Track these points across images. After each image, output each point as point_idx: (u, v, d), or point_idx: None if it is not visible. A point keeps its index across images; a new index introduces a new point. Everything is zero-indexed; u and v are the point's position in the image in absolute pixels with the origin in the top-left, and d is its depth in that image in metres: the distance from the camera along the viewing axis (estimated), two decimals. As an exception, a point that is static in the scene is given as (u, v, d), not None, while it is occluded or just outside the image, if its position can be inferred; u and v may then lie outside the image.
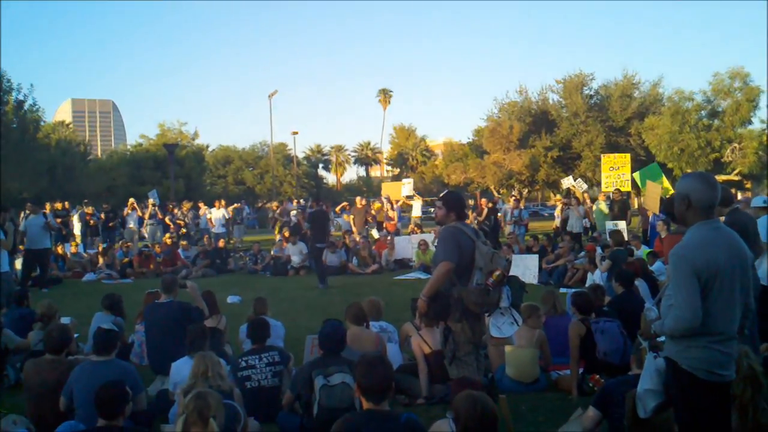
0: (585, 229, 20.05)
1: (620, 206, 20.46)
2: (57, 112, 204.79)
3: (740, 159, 34.68)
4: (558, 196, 27.84)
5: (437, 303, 5.57)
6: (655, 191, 17.39)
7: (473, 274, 5.59)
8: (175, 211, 24.09)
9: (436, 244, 6.09)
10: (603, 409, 5.17)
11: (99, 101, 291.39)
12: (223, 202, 25.26)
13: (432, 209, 17.93)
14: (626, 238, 15.65)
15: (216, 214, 23.20)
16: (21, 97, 35.86)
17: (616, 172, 20.84)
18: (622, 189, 20.25)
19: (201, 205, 25.71)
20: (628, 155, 22.56)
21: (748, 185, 40.20)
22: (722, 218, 7.03)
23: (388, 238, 19.67)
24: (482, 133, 46.69)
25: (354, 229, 21.20)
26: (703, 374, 3.62)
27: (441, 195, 6.25)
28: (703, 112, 36.87)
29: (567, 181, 25.26)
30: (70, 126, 62.86)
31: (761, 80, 39.37)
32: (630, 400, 4.63)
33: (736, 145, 35.04)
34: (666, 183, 19.36)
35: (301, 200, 29.78)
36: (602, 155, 22.77)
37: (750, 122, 36.14)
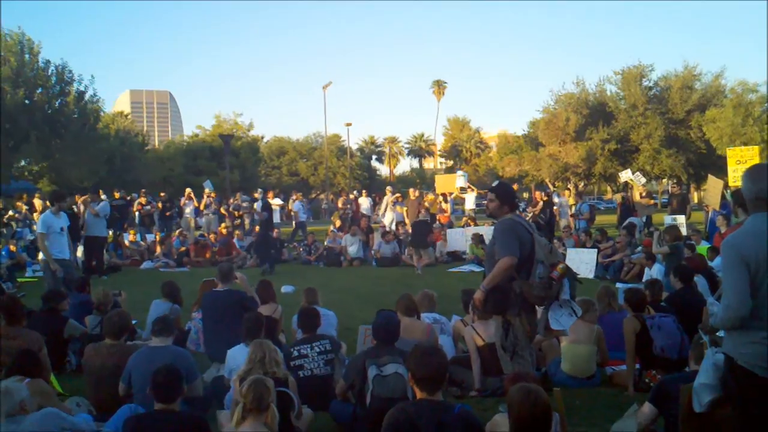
0: (642, 224, 19.70)
1: (679, 200, 20.09)
2: (116, 102, 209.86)
3: (806, 150, 33.66)
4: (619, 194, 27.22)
5: (496, 296, 5.55)
6: (717, 186, 16.97)
7: (534, 268, 5.59)
8: (231, 200, 24.41)
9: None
10: (659, 404, 5.08)
11: (157, 92, 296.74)
12: (277, 192, 25.56)
13: (485, 201, 17.72)
14: (686, 233, 15.35)
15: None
16: (82, 88, 36.78)
17: (743, 165, 19.82)
18: None
19: (256, 195, 25.96)
20: (757, 148, 21.56)
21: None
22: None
23: (442, 230, 19.62)
24: (538, 125, 46.28)
25: (407, 220, 21.18)
26: (760, 371, 3.54)
27: (493, 186, 6.19)
28: (767, 104, 35.90)
29: (625, 175, 24.82)
30: (129, 117, 64.27)
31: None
32: (685, 394, 4.56)
33: (802, 136, 34.03)
34: None
35: (354, 192, 29.88)
36: (727, 149, 21.86)
37: (818, 111, 35.15)
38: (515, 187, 28.72)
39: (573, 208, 22.03)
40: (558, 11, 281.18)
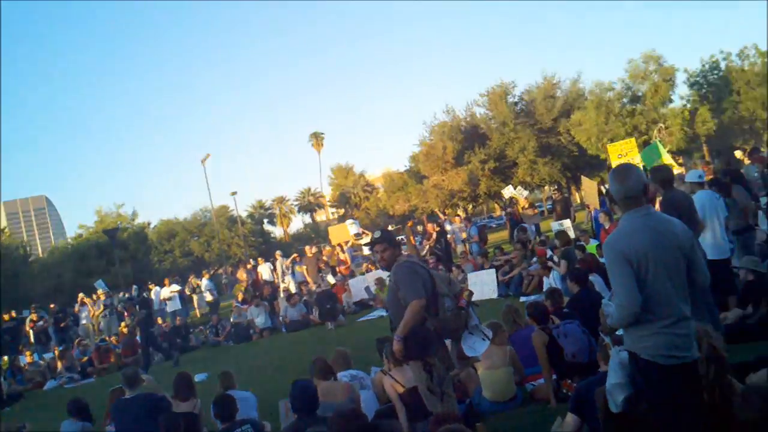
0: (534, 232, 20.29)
1: (562, 205, 20.85)
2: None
3: (668, 137, 35.64)
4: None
5: (414, 341, 5.53)
6: (592, 186, 17.71)
7: (441, 302, 5.61)
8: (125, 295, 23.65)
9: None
10: (580, 412, 5.20)
11: (31, 198, 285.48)
12: (174, 278, 24.96)
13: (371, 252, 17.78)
14: (574, 235, 15.91)
15: (165, 293, 22.64)
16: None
17: (625, 158, 20.30)
18: None
19: (151, 286, 25.20)
20: (633, 140, 22.31)
21: (680, 160, 41.42)
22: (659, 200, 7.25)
23: (344, 282, 19.59)
24: (418, 159, 47.16)
25: (309, 279, 21.03)
26: (662, 360, 3.70)
27: (377, 238, 6.06)
28: (624, 99, 37.95)
29: (508, 191, 25.52)
30: (6, 230, 61.47)
31: (673, 59, 40.84)
32: (600, 397, 4.68)
33: (661, 125, 36.02)
34: (667, 159, 19.24)
35: (251, 260, 29.47)
36: (607, 145, 22.60)
37: (671, 101, 37.41)
38: (410, 223, 29.10)
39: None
40: (417, 42, 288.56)
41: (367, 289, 18.31)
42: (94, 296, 23.17)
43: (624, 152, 20.30)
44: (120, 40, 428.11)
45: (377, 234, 6.14)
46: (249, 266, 26.35)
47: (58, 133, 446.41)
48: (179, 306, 22.05)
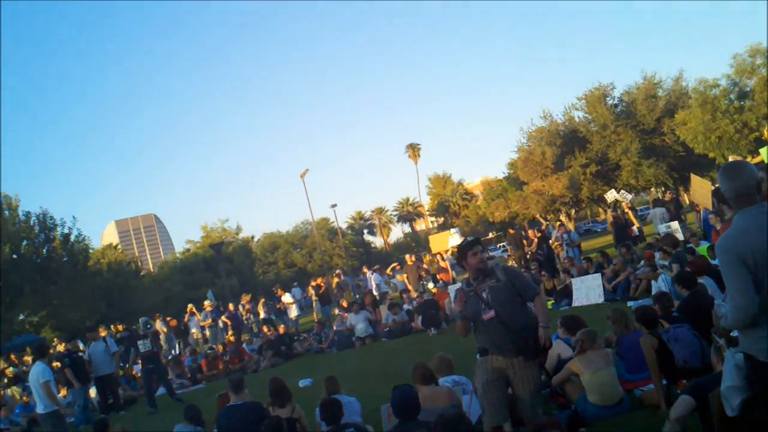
0: (635, 238, 19.71)
1: (674, 205, 20.15)
2: (103, 236, 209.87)
3: (782, 132, 33.95)
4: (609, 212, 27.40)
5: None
6: (704, 186, 16.99)
7: None
8: (230, 307, 24.38)
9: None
10: (697, 396, 5.02)
11: (141, 217, 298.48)
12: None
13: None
14: (684, 237, 15.31)
15: (287, 298, 23.57)
16: (66, 231, 37.05)
17: None
18: None
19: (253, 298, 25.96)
20: None
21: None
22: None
23: (445, 289, 19.50)
24: (516, 165, 46.57)
25: (410, 287, 21.08)
26: None
27: (455, 257, 6.39)
28: (731, 95, 36.30)
29: (611, 195, 24.91)
30: (118, 247, 64.39)
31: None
32: (716, 400, 4.50)
33: (774, 119, 34.33)
34: None
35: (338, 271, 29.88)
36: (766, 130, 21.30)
37: (783, 94, 35.53)
38: (511, 231, 28.78)
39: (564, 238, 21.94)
40: (509, 48, 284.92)
41: None
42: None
43: None
44: (220, 59, 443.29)
45: (457, 250, 6.31)
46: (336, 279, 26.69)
47: (166, 154, 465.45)
48: (299, 312, 22.78)
